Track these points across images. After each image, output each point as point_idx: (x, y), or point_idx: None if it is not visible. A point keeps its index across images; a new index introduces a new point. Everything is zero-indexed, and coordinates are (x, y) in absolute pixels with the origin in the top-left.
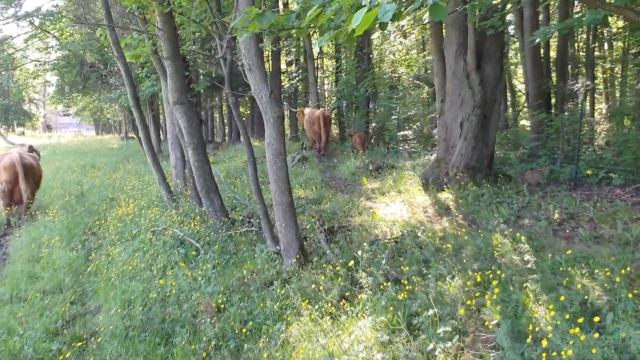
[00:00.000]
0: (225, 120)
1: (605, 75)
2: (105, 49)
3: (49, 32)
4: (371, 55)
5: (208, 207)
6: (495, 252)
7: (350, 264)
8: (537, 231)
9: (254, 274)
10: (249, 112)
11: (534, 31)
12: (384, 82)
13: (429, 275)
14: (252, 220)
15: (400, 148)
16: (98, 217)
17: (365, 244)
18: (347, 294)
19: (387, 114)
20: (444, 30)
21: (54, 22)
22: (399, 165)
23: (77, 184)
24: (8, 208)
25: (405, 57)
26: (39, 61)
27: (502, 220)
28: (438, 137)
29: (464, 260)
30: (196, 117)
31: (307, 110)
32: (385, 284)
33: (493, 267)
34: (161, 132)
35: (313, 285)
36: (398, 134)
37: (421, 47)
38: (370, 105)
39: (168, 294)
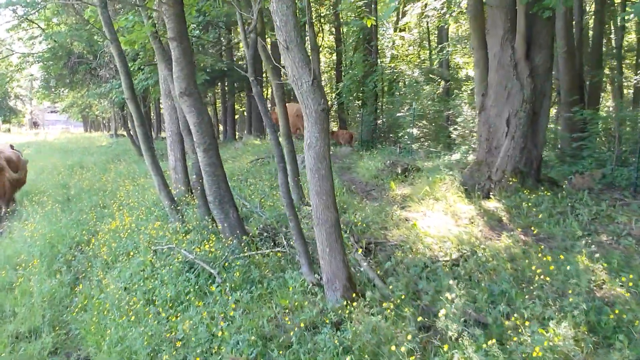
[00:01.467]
0: (220, 117)
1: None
2: (95, 38)
3: (33, 22)
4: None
5: (222, 221)
6: (591, 282)
7: (404, 297)
8: (625, 251)
9: (291, 313)
10: (244, 108)
11: (568, 14)
12: (393, 77)
13: (516, 315)
14: (271, 235)
15: (414, 147)
16: (87, 228)
17: (416, 267)
18: (422, 343)
19: (397, 110)
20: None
21: (39, 10)
22: (423, 166)
23: (62, 187)
24: None
25: (414, 50)
26: (22, 54)
27: (574, 237)
28: (478, 136)
29: (557, 294)
30: (207, 112)
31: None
32: (465, 329)
33: (601, 305)
34: (152, 130)
35: (373, 333)
36: (409, 131)
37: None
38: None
39: (181, 343)
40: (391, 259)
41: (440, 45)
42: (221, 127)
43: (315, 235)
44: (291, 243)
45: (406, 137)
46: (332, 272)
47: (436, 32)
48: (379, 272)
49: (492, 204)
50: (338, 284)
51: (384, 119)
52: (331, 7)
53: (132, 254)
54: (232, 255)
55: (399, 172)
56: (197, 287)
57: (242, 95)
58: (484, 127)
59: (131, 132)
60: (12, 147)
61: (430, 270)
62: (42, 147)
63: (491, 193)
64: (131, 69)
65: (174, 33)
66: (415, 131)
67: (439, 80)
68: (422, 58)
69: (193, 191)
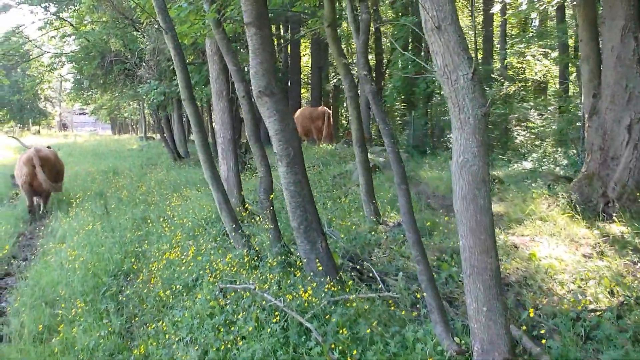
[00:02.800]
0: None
1: None
2: (134, 34)
3: (65, 20)
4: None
5: (307, 253)
6: None
7: None
8: None
9: None
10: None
11: None
12: None
13: None
14: (359, 267)
15: None
16: (132, 250)
17: (564, 318)
18: None
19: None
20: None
21: (74, 6)
22: (499, 175)
23: (99, 196)
24: (31, 205)
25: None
26: (54, 53)
27: None
28: (588, 144)
29: None
30: (291, 117)
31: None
32: None
33: None
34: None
35: None
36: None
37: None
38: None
39: None
40: (516, 299)
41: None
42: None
43: (465, 287)
44: (389, 281)
45: None
46: (490, 340)
47: (483, 31)
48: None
49: (617, 228)
50: (498, 356)
51: (432, 123)
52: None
53: (191, 289)
54: (326, 299)
55: None
56: (288, 346)
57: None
58: (596, 134)
59: (165, 136)
60: (48, 147)
61: (585, 323)
62: (73, 149)
63: (613, 214)
64: (171, 68)
65: (252, 17)
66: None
67: (502, 80)
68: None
69: (260, 210)
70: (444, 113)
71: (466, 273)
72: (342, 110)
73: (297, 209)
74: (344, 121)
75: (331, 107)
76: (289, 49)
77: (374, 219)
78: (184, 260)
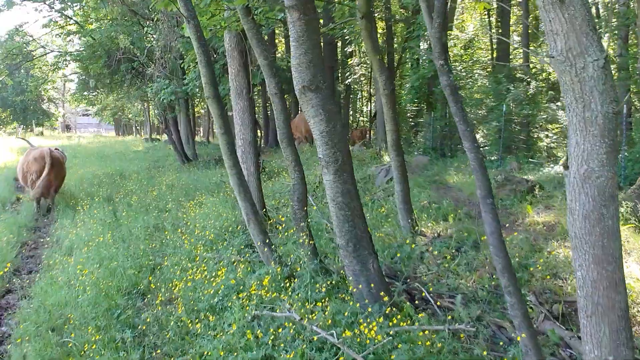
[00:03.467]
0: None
1: None
2: (144, 30)
3: (70, 18)
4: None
5: (356, 274)
6: None
7: None
8: None
9: None
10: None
11: None
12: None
13: None
14: (404, 285)
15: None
16: (146, 264)
17: None
18: None
19: (474, 114)
20: None
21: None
22: (535, 180)
23: (107, 201)
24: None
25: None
26: (59, 52)
27: None
28: None
29: None
30: (340, 116)
31: None
32: None
33: None
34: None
35: None
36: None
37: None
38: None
39: None
40: None
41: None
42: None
43: (583, 330)
44: (446, 304)
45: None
46: None
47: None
48: None
49: None
50: None
51: (452, 124)
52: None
53: (220, 313)
54: (384, 330)
55: (524, 190)
56: None
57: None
58: None
59: (173, 138)
60: (56, 149)
61: None
62: (77, 151)
63: None
64: (182, 66)
65: (295, 0)
66: (479, 138)
67: (528, 79)
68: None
69: (294, 221)
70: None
71: (586, 313)
72: (351, 112)
73: (345, 223)
74: (361, 121)
75: (342, 108)
76: None
77: (411, 230)
78: (207, 278)
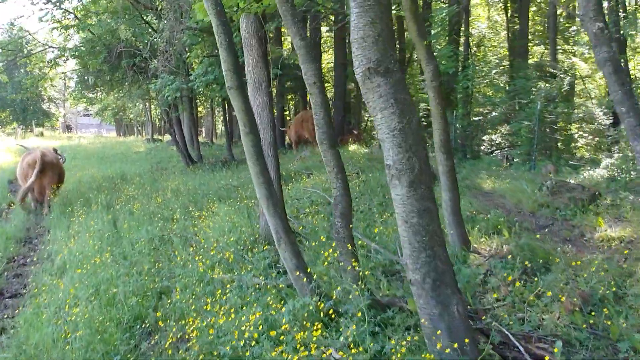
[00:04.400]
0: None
1: None
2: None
3: (68, 12)
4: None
5: (434, 319)
6: None
7: None
8: None
9: None
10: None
11: None
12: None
13: None
14: (487, 328)
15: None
16: (151, 287)
17: None
18: None
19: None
20: None
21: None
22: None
23: (106, 209)
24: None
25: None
26: (55, 47)
27: None
28: None
29: None
30: (414, 108)
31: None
32: None
33: None
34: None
35: None
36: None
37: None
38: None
39: None
40: None
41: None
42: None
43: None
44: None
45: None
46: None
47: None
48: None
49: None
50: None
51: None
52: None
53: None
54: None
55: (584, 199)
56: None
57: (294, 96)
58: None
59: (177, 138)
60: (55, 150)
61: None
62: (77, 152)
63: None
64: (188, 61)
65: None
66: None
67: (562, 75)
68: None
69: (337, 242)
70: (483, 113)
71: None
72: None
73: (421, 252)
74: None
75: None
76: None
77: (463, 246)
78: (228, 310)
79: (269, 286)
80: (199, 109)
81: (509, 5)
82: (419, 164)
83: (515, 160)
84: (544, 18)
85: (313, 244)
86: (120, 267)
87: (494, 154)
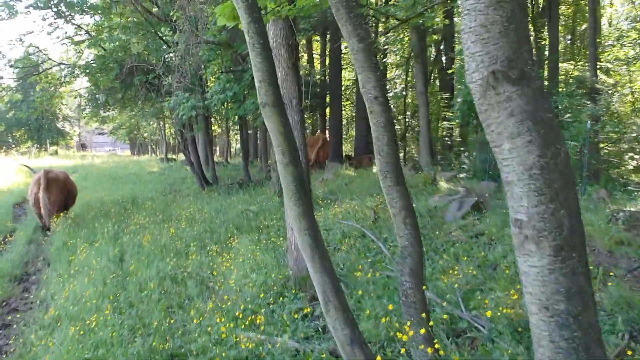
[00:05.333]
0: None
1: None
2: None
3: (79, 27)
4: None
5: None
6: None
7: None
8: None
9: None
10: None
11: None
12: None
13: None
14: None
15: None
16: (160, 347)
17: None
18: None
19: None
20: None
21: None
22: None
23: (113, 241)
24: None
25: None
26: (66, 65)
27: None
28: None
29: None
30: (560, 134)
31: None
32: None
33: None
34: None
35: None
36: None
37: None
38: None
39: None
40: None
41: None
42: None
43: None
44: None
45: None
46: None
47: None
48: None
49: None
50: None
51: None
52: None
53: None
54: None
55: None
56: None
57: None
58: None
59: (192, 159)
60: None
61: None
62: (89, 172)
63: None
64: (205, 76)
65: None
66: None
67: (610, 92)
68: None
69: (402, 303)
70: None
71: None
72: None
73: (571, 354)
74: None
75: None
76: (326, 61)
77: None
78: None
79: (308, 354)
80: (214, 127)
81: (537, 22)
82: (569, 221)
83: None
84: (568, 34)
85: (355, 292)
86: (124, 320)
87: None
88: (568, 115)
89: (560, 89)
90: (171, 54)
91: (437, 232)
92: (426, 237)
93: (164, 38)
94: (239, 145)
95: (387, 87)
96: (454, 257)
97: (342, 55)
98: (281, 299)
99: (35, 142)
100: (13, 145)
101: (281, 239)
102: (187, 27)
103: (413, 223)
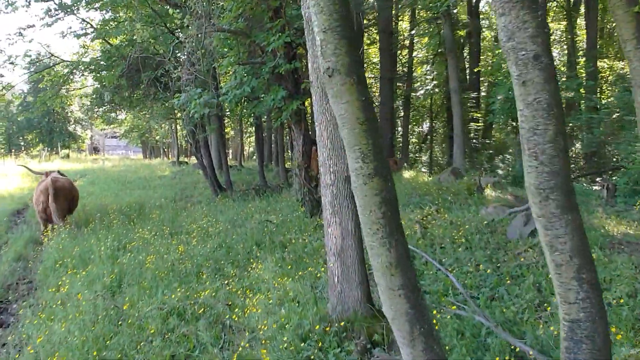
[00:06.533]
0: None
1: None
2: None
3: (84, 20)
4: None
5: None
6: None
7: None
8: None
9: None
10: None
11: None
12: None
13: None
14: None
15: None
16: None
17: None
18: None
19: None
20: None
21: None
22: None
23: (112, 261)
24: (46, 229)
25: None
26: (67, 61)
27: None
28: None
29: None
30: None
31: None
32: None
33: None
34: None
35: None
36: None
37: None
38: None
39: None
40: None
41: None
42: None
43: None
44: None
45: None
46: None
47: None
48: None
49: None
50: None
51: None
52: None
53: None
54: None
55: None
56: None
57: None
58: None
59: (204, 163)
60: (60, 172)
61: None
62: (99, 176)
63: None
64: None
65: None
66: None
67: None
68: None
69: None
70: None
71: None
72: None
73: None
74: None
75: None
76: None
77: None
78: None
79: None
80: (227, 129)
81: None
82: None
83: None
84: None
85: None
86: None
87: (587, 183)
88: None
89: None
90: (181, 40)
91: (503, 253)
92: (492, 260)
93: (172, 30)
94: (251, 149)
95: (416, 84)
96: (535, 288)
97: (365, 53)
98: (321, 348)
99: (46, 145)
100: (23, 149)
101: (312, 259)
102: (201, 6)
103: (592, 281)
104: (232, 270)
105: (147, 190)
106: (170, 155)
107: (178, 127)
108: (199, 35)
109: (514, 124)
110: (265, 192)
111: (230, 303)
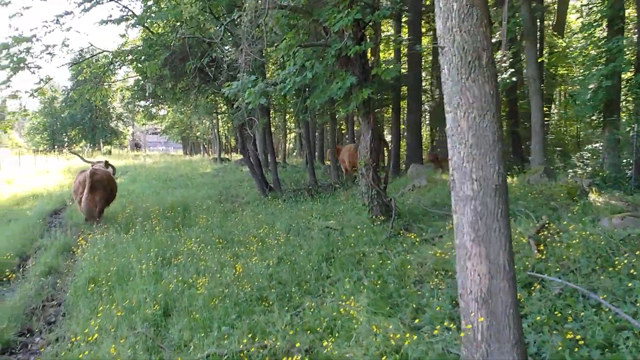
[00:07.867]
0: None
1: None
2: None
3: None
4: None
5: None
6: None
7: None
8: None
9: None
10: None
11: None
12: None
13: None
14: None
15: None
16: None
17: None
18: None
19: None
20: None
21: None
22: None
23: (154, 284)
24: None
25: None
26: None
27: None
28: None
29: None
30: None
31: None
32: None
33: None
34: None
35: None
36: None
37: None
38: None
39: None
40: None
41: None
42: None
43: None
44: None
45: None
46: None
47: None
48: None
49: None
50: None
51: None
52: None
53: None
54: None
55: None
56: None
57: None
58: None
59: (252, 161)
60: (107, 163)
61: None
62: (139, 173)
63: None
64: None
65: None
66: None
67: None
68: None
69: None
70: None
71: None
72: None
73: None
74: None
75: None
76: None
77: None
78: None
79: None
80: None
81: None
82: None
83: None
84: None
85: None
86: None
87: None
88: None
89: None
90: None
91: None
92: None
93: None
94: (290, 145)
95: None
96: None
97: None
98: None
99: (89, 142)
100: (66, 145)
101: (397, 283)
102: None
103: None
104: (301, 295)
105: (189, 189)
106: (210, 152)
107: (220, 123)
108: (257, 11)
109: (600, 117)
110: (318, 193)
111: (309, 349)
